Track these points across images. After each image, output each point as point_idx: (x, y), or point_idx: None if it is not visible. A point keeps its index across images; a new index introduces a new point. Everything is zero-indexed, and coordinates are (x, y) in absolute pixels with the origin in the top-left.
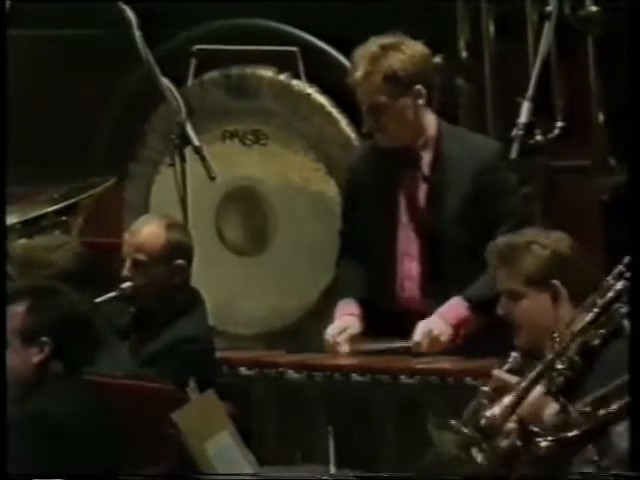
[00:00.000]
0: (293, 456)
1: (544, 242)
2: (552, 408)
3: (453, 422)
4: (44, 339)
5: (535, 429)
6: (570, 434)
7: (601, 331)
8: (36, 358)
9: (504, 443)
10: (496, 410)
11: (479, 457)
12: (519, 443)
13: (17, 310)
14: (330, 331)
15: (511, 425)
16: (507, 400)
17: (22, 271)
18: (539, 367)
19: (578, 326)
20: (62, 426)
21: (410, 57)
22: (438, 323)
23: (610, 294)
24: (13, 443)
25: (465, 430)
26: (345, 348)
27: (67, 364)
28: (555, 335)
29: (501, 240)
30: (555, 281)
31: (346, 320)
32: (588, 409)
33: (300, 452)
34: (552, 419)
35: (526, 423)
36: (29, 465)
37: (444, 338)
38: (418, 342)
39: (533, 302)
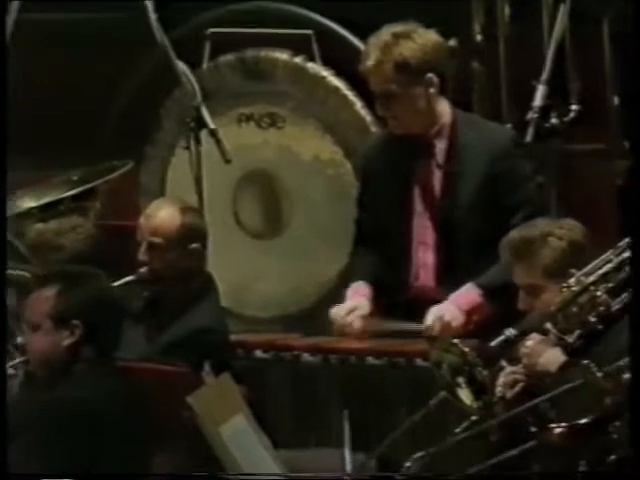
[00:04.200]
0: (308, 439)
1: (560, 233)
2: (556, 357)
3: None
4: (75, 322)
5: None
6: (583, 421)
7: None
8: (67, 341)
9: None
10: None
11: (465, 393)
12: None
13: (48, 294)
14: (338, 311)
15: (512, 377)
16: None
17: (35, 255)
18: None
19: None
20: (91, 413)
21: (422, 45)
22: (450, 309)
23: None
24: (40, 430)
25: (466, 349)
26: (355, 327)
27: (97, 348)
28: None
29: (515, 235)
30: (573, 270)
31: (356, 301)
32: (612, 372)
33: (315, 435)
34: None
35: (530, 372)
36: (57, 451)
37: (455, 324)
38: (430, 326)
39: (554, 294)
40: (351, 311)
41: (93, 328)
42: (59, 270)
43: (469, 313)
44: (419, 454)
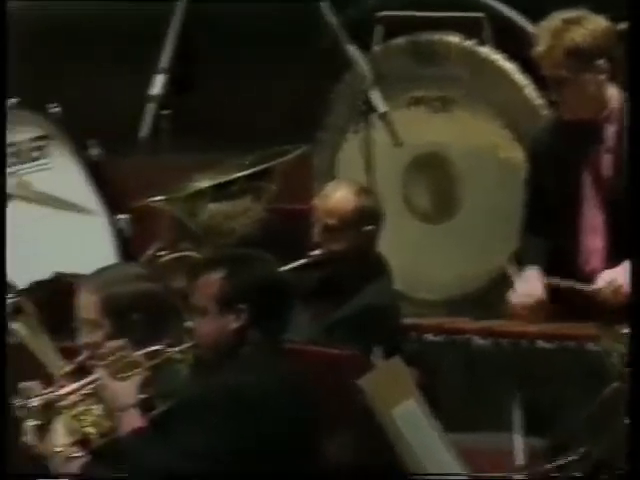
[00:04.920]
0: (479, 423)
1: None
2: None
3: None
4: (241, 306)
5: None
6: None
7: None
8: (233, 325)
9: None
10: None
11: None
12: None
13: (215, 277)
14: (515, 295)
15: None
16: None
17: (206, 236)
18: None
19: None
20: (258, 397)
21: (592, 31)
22: (622, 274)
23: None
24: (207, 414)
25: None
26: (530, 311)
27: (264, 332)
28: None
29: None
30: None
31: (531, 285)
32: None
33: (486, 419)
34: None
35: None
36: (224, 439)
37: (626, 290)
38: (600, 289)
39: None
40: (527, 296)
41: (260, 312)
42: (226, 253)
43: None
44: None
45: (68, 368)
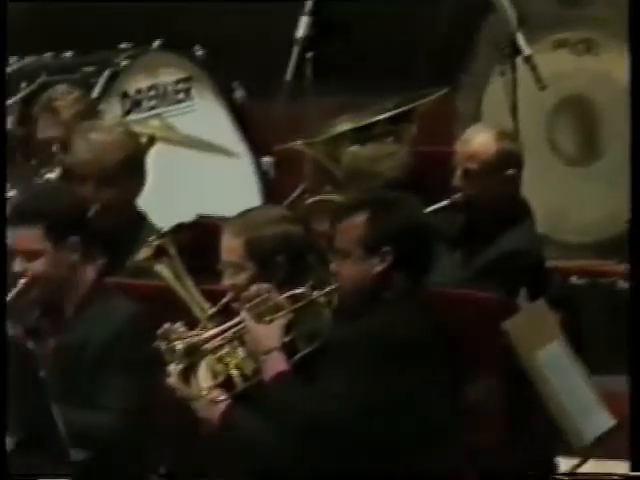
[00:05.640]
0: (622, 366)
1: None
2: None
3: None
4: (385, 249)
5: None
6: None
7: None
8: (377, 268)
9: None
10: None
11: None
12: None
13: (359, 220)
14: None
15: None
16: None
17: (349, 180)
18: None
19: None
20: (403, 340)
21: None
22: None
23: None
24: (354, 360)
25: None
26: None
27: (409, 275)
28: None
29: None
30: None
31: None
32: None
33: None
34: None
35: None
36: (370, 382)
37: None
38: None
39: None
40: None
41: (404, 255)
42: (370, 196)
43: None
44: None
45: (212, 311)
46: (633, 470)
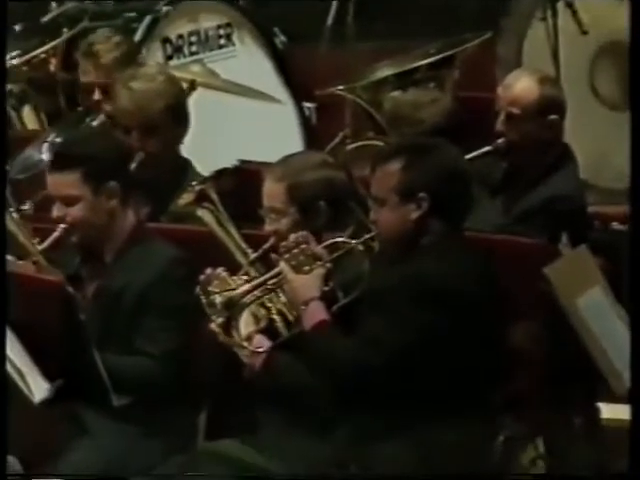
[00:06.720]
0: None
1: None
2: None
3: None
4: (422, 195)
5: None
6: None
7: None
8: (414, 215)
9: None
10: None
11: None
12: None
13: (394, 167)
14: None
15: None
16: None
17: (391, 126)
18: None
19: None
20: (441, 285)
21: None
22: None
23: None
24: (395, 307)
25: None
26: None
27: (446, 221)
28: None
29: None
30: None
31: None
32: None
33: None
34: None
35: None
36: (411, 328)
37: None
38: None
39: None
40: None
41: (440, 201)
42: (405, 142)
43: None
44: None
45: (254, 255)
46: None
